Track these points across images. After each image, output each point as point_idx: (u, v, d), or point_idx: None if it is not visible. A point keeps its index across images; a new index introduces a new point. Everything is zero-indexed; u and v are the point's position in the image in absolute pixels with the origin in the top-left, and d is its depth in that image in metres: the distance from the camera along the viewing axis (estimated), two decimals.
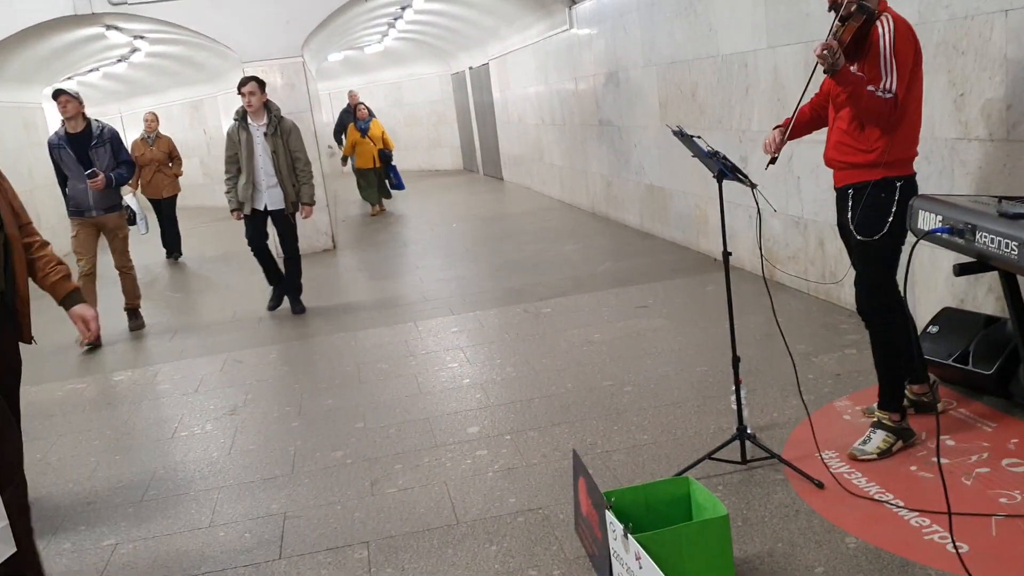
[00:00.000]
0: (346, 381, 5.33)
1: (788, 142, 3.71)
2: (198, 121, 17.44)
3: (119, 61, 15.30)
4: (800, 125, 3.67)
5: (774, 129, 3.70)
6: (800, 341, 4.96)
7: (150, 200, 10.92)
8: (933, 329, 4.18)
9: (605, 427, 4.14)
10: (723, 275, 3.62)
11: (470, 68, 18.10)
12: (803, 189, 5.84)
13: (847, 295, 5.53)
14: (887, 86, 3.25)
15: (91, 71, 16.00)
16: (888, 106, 3.24)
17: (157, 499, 3.94)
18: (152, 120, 11.12)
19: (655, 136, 8.47)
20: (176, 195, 11.28)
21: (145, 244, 11.02)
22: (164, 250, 11.34)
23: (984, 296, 4.29)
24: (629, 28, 8.71)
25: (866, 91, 3.24)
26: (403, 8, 14.03)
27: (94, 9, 9.53)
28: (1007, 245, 1.96)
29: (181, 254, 11.35)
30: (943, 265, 4.51)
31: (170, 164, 11.10)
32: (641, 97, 8.70)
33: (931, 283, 4.66)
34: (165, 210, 11.22)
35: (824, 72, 3.26)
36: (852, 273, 3.67)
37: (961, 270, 2.20)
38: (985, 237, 2.04)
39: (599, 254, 8.43)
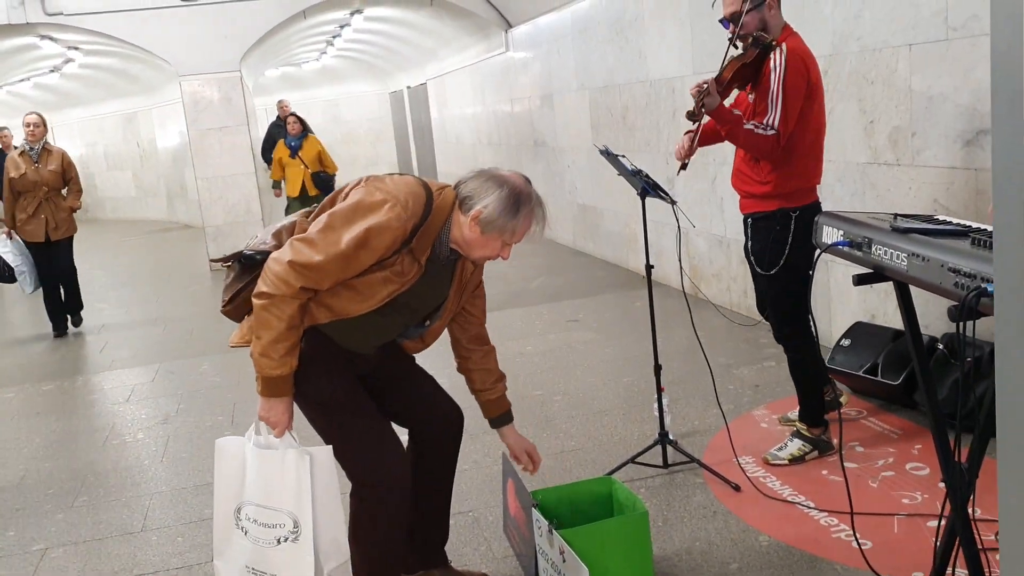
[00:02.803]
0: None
1: (712, 147, 3.76)
2: (131, 134, 17.21)
3: (51, 71, 15.04)
4: (708, 132, 3.61)
5: (684, 135, 3.63)
6: (722, 354, 5.17)
7: (30, 245, 7.17)
8: (845, 342, 4.41)
9: (535, 434, 4.26)
10: (653, 292, 3.77)
11: (408, 87, 18.21)
12: (726, 210, 6.08)
13: None
14: (770, 121, 3.30)
15: (22, 80, 15.70)
16: (769, 142, 3.30)
17: (88, 505, 3.94)
18: (36, 125, 7.22)
19: (587, 157, 8.69)
20: (72, 237, 7.45)
21: (26, 307, 8.61)
22: (50, 321, 7.47)
23: (894, 312, 4.55)
24: (563, 52, 8.93)
25: (743, 129, 3.32)
26: (342, 27, 14.10)
27: (28, 19, 9.42)
28: (898, 256, 2.14)
29: (81, 320, 7.73)
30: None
31: (64, 191, 7.36)
32: (574, 119, 8.92)
33: (845, 298, 4.91)
34: (58, 259, 7.34)
35: (686, 114, 3.36)
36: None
37: (859, 280, 2.38)
38: (880, 249, 2.22)
39: (533, 270, 8.59)
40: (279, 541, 2.47)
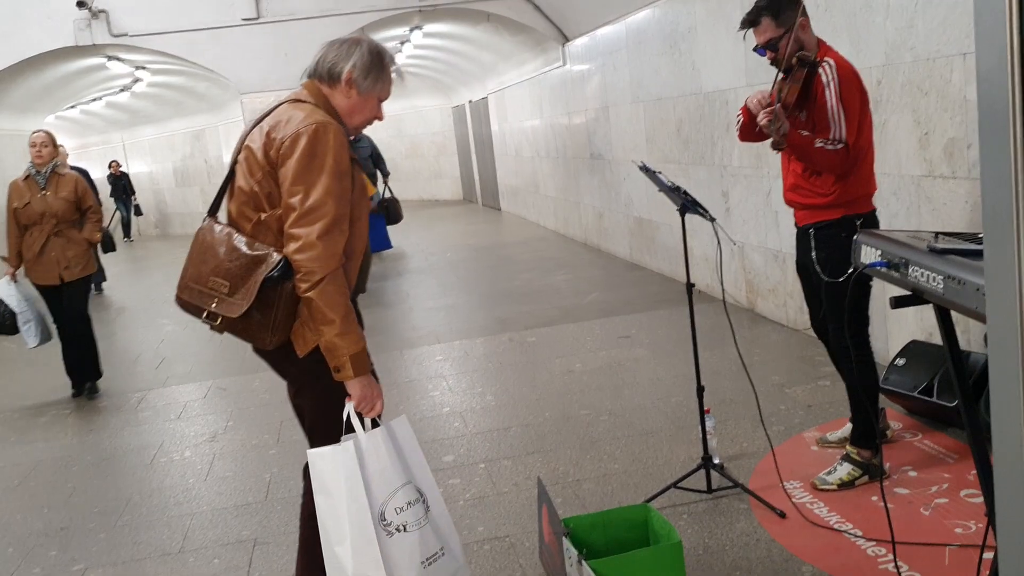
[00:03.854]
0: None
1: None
2: (199, 150, 17.67)
3: (122, 91, 15.54)
4: (748, 128, 3.57)
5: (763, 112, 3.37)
6: (775, 372, 5.04)
7: (41, 288, 6.05)
8: (900, 361, 4.26)
9: (578, 456, 4.21)
10: (707, 307, 3.71)
11: (470, 102, 18.34)
12: (781, 223, 5.94)
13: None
14: (837, 136, 3.29)
15: (94, 100, 16.24)
16: (840, 156, 3.30)
17: (130, 524, 4.01)
18: (44, 145, 5.98)
19: None
20: (89, 278, 6.13)
21: (38, 363, 6.99)
22: (68, 378, 6.25)
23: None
24: (618, 65, 8.87)
25: (815, 149, 3.28)
26: (402, 43, 14.26)
27: (95, 40, 9.74)
28: (934, 279, 2.04)
29: (97, 390, 6.27)
30: None
31: (78, 222, 6.02)
32: (629, 132, 8.84)
33: (901, 317, 4.74)
34: (70, 305, 6.02)
35: (772, 146, 3.31)
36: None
37: (897, 303, 2.28)
38: (916, 271, 2.13)
39: (588, 284, 8.53)
40: (427, 511, 2.42)
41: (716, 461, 3.69)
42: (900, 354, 4.31)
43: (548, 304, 7.75)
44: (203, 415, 5.57)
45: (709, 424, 3.68)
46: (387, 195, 10.90)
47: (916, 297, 2.29)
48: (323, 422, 2.47)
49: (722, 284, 3.98)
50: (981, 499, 3.30)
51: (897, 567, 2.62)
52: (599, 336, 6.45)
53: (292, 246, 2.29)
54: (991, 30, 0.86)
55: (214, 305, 2.35)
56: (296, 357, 2.41)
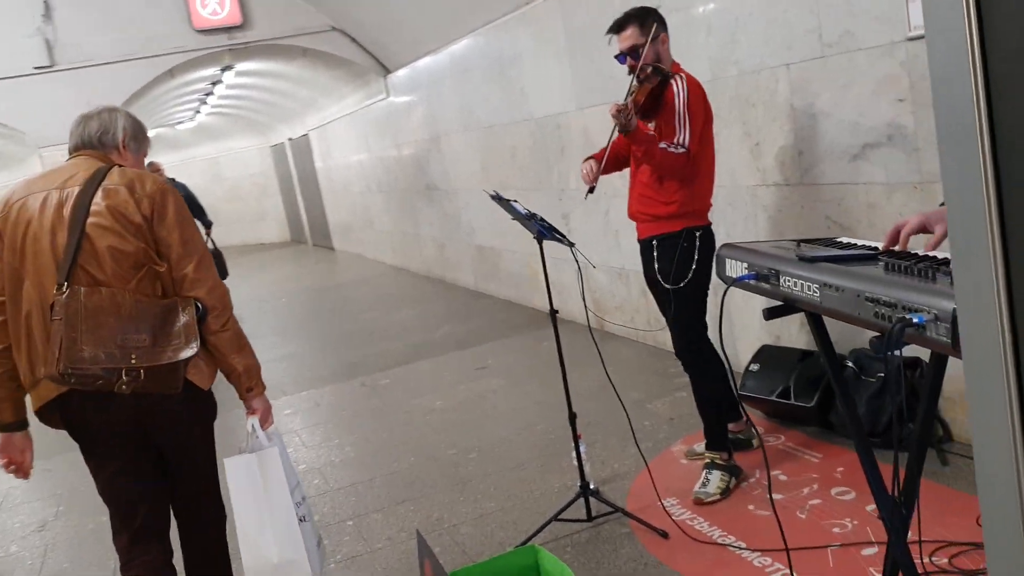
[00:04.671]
0: None
1: (602, 179, 3.79)
2: None
3: None
4: (610, 161, 3.74)
5: (588, 160, 3.75)
6: (633, 389, 5.06)
7: None
8: (754, 367, 4.35)
9: (451, 499, 4.04)
10: (558, 329, 3.65)
11: (289, 139, 17.87)
12: (622, 242, 6.02)
13: None
14: (681, 140, 3.43)
15: None
16: (681, 159, 3.43)
17: None
18: None
19: (480, 198, 8.55)
20: None
21: None
22: None
23: (798, 332, 4.52)
24: (445, 94, 8.82)
25: (659, 148, 3.40)
26: (214, 84, 13.73)
27: None
28: (809, 288, 2.03)
29: None
30: (756, 305, 4.73)
31: None
32: (464, 160, 8.80)
33: (747, 323, 4.87)
34: None
35: (620, 131, 3.39)
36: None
37: (770, 314, 2.28)
38: (788, 281, 2.12)
39: (436, 318, 8.39)
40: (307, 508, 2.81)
41: (592, 487, 3.63)
42: (753, 360, 4.40)
43: (398, 342, 7.54)
44: (28, 502, 5.01)
45: (582, 449, 3.61)
46: (211, 247, 10.32)
47: (788, 307, 2.30)
48: (210, 452, 2.72)
49: (586, 307, 3.95)
50: (852, 496, 3.39)
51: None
52: (455, 370, 6.31)
53: (201, 289, 2.51)
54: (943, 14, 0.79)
55: (134, 360, 2.39)
56: (193, 396, 2.56)
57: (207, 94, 14.93)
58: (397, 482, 4.36)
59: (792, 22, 4.06)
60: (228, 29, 9.79)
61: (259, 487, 2.62)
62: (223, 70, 12.33)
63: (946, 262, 1.97)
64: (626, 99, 3.45)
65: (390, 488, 4.31)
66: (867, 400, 3.77)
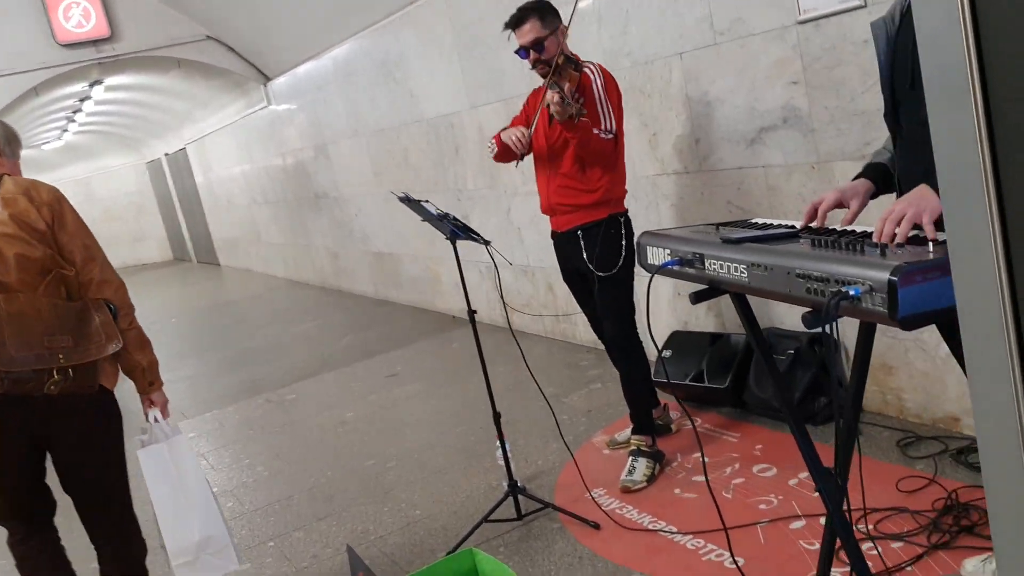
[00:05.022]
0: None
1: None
2: None
3: None
4: (502, 152, 3.65)
5: (507, 129, 3.64)
6: (548, 384, 5.04)
7: None
8: (667, 353, 4.42)
9: (375, 510, 3.95)
10: (465, 331, 3.63)
11: (166, 155, 17.24)
12: (525, 239, 6.03)
13: (582, 333, 5.75)
14: (607, 126, 3.46)
15: None
16: (611, 145, 3.48)
17: None
18: None
19: (375, 204, 8.44)
20: None
21: None
22: None
23: (705, 316, 4.61)
24: (330, 100, 8.65)
25: (593, 135, 3.41)
26: (82, 100, 13.11)
27: None
28: (736, 269, 2.05)
29: None
30: (664, 293, 4.81)
31: None
32: (354, 166, 8.65)
33: (655, 311, 4.94)
34: None
35: (566, 119, 3.29)
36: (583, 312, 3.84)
37: (696, 298, 2.29)
38: (714, 264, 2.13)
39: (337, 329, 8.22)
40: None
41: (519, 484, 3.60)
42: (665, 346, 4.47)
43: (300, 356, 7.35)
44: None
45: (507, 448, 3.58)
46: None
47: (714, 289, 2.32)
48: (121, 450, 2.80)
49: (504, 305, 3.91)
50: (773, 472, 3.47)
51: (734, 558, 2.64)
52: (364, 379, 6.18)
53: (109, 289, 2.64)
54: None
55: (62, 359, 2.50)
56: (103, 396, 2.70)
57: (75, 111, 14.25)
58: (316, 498, 4.23)
59: (683, 11, 4.12)
60: (95, 42, 9.33)
61: (173, 473, 2.81)
62: (92, 85, 11.78)
63: (868, 235, 2.02)
64: (553, 93, 3.38)
65: (310, 504, 4.18)
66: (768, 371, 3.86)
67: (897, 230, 1.85)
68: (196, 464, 2.90)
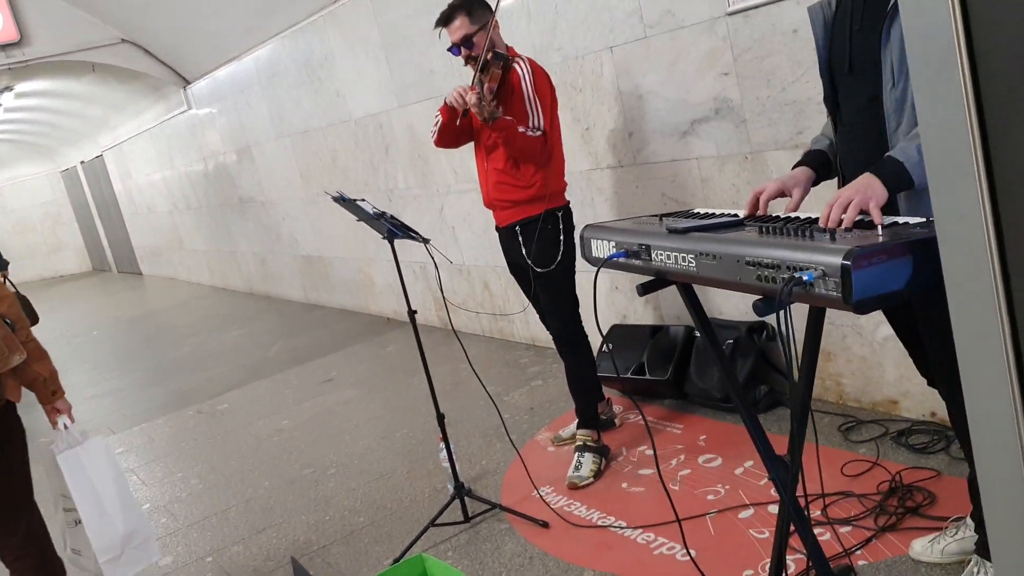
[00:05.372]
0: None
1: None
2: None
3: None
4: (456, 131, 3.59)
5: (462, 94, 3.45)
6: (489, 383, 4.97)
7: None
8: (607, 347, 4.40)
9: (316, 520, 3.84)
10: (400, 333, 3.57)
11: (82, 162, 16.69)
12: (459, 237, 5.97)
13: (520, 330, 5.71)
14: (535, 124, 3.42)
15: None
16: (539, 142, 3.43)
17: None
18: None
19: (303, 206, 8.27)
20: None
21: None
22: None
23: (643, 309, 4.61)
24: (253, 102, 8.45)
25: (518, 133, 3.37)
26: None
27: None
28: (684, 259, 2.03)
29: None
30: (601, 287, 4.79)
31: None
32: (279, 169, 8.47)
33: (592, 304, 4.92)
34: None
35: (484, 121, 3.33)
36: (528, 309, 3.78)
37: (644, 290, 2.27)
38: (661, 255, 2.11)
39: (268, 335, 8.03)
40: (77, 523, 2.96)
41: (465, 487, 3.54)
42: (605, 340, 4.45)
43: (230, 365, 7.16)
44: None
45: (452, 449, 3.52)
46: (11, 291, 9.19)
47: (661, 280, 2.30)
48: (26, 463, 2.81)
49: (446, 303, 3.84)
50: (719, 462, 3.49)
51: (688, 550, 2.63)
52: (298, 386, 6.04)
53: (3, 305, 2.68)
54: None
55: None
56: (5, 410, 2.72)
57: None
58: (254, 509, 4.11)
59: (612, 5, 4.11)
60: (4, 47, 8.94)
61: (91, 474, 2.91)
62: (1, 92, 11.31)
63: (815, 221, 2.02)
64: (474, 88, 3.36)
65: (248, 517, 4.05)
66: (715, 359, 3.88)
67: (844, 216, 1.86)
68: (113, 461, 3.01)
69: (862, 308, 1.66)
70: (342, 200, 3.38)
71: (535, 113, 3.42)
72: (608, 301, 4.83)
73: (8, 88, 11.12)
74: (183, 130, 10.81)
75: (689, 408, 4.07)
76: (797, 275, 1.69)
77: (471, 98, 3.25)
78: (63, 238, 19.37)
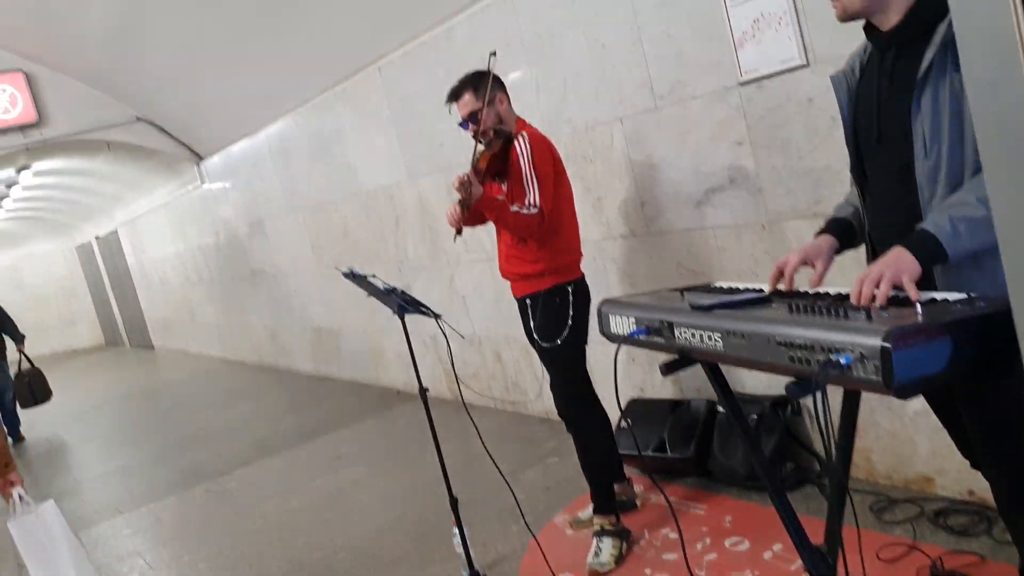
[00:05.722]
0: None
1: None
2: None
3: None
4: (475, 213, 3.51)
5: (455, 205, 3.47)
6: (502, 460, 4.81)
7: None
8: (625, 423, 4.27)
9: None
10: (411, 407, 3.46)
11: (97, 238, 16.81)
12: (470, 308, 5.88)
13: (534, 404, 5.59)
14: (531, 200, 3.36)
15: None
16: (535, 220, 3.35)
17: None
18: None
19: (313, 278, 8.24)
20: None
21: None
22: None
23: (661, 382, 4.49)
24: (266, 176, 8.49)
25: (510, 212, 3.34)
26: (9, 186, 12.74)
27: None
28: (710, 338, 1.93)
29: None
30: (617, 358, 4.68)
31: None
32: (292, 241, 8.46)
33: (609, 376, 4.80)
34: None
35: (462, 205, 3.30)
36: (546, 380, 3.68)
37: (668, 369, 2.16)
38: (685, 332, 2.01)
39: (278, 410, 7.91)
40: None
41: (481, 573, 3.39)
42: (623, 415, 4.33)
43: (239, 441, 7.03)
44: None
45: (467, 534, 3.38)
46: (26, 366, 8.87)
47: (686, 359, 2.20)
48: None
49: (458, 381, 3.74)
50: (746, 546, 3.32)
51: None
52: (308, 464, 5.90)
53: None
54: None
55: None
56: None
57: (2, 198, 13.85)
58: None
59: (621, 77, 4.09)
60: (22, 128, 9.04)
61: (46, 540, 2.92)
62: (19, 171, 11.43)
63: (845, 297, 1.92)
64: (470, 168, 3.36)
65: None
66: (741, 439, 3.74)
67: (876, 292, 1.76)
68: (66, 528, 3.01)
69: (904, 392, 1.55)
70: (353, 276, 3.32)
71: (531, 190, 3.36)
72: (625, 373, 4.71)
73: (26, 167, 11.25)
74: (196, 204, 10.86)
75: (713, 487, 3.92)
76: (833, 358, 1.59)
77: (454, 184, 3.23)
78: (77, 312, 19.43)
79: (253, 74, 7.28)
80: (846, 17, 1.95)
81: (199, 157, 10.03)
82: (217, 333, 12.03)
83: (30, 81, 8.87)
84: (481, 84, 3.47)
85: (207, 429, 7.81)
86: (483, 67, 3.47)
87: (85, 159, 11.38)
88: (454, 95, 3.55)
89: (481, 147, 3.42)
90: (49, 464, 8.06)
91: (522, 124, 3.56)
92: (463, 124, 3.54)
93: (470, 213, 3.38)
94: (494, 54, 3.36)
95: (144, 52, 7.87)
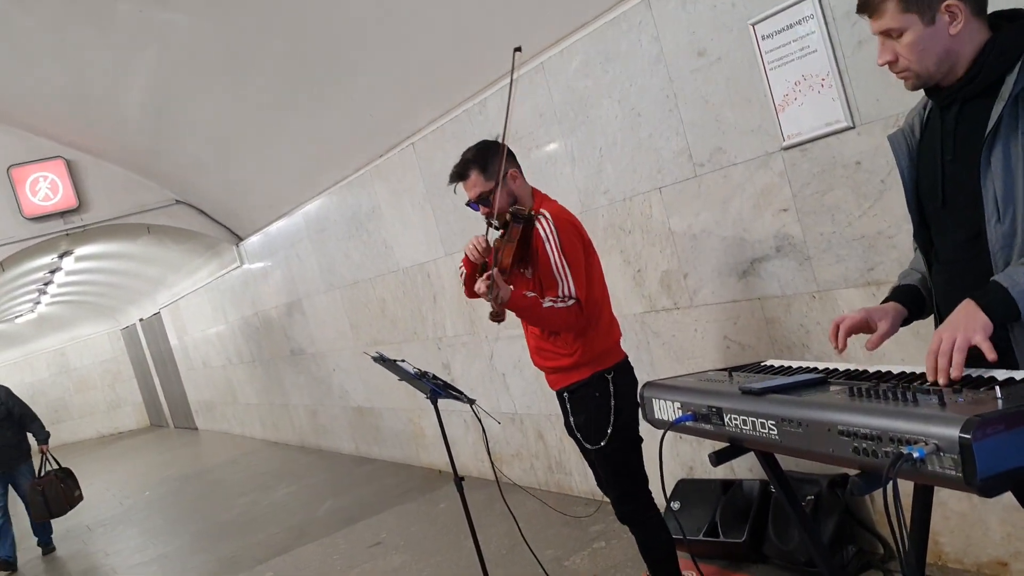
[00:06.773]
0: None
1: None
2: None
3: None
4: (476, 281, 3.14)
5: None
6: (547, 545, 4.66)
7: None
8: (675, 505, 4.07)
9: None
10: (452, 489, 3.29)
11: (140, 320, 17.00)
12: (511, 385, 5.73)
13: (579, 483, 5.38)
14: (566, 291, 3.02)
15: None
16: (573, 312, 3.01)
17: None
18: None
19: (352, 357, 8.16)
20: None
21: None
22: None
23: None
24: (304, 256, 8.50)
25: (544, 309, 3.00)
26: (53, 272, 12.95)
27: None
28: (763, 426, 1.77)
29: None
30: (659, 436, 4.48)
31: None
32: (330, 320, 8.41)
33: (654, 454, 4.60)
34: None
35: (493, 314, 2.99)
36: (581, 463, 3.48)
37: (718, 459, 2.00)
38: (735, 420, 1.86)
39: (317, 493, 7.76)
40: None
41: None
42: (672, 497, 4.12)
43: (278, 527, 6.88)
44: None
45: None
46: (53, 466, 7.79)
47: (737, 447, 2.04)
48: None
49: (493, 466, 3.59)
50: None
51: None
52: (346, 551, 5.72)
53: None
54: None
55: None
56: None
57: (46, 283, 14.09)
58: None
59: (659, 146, 3.99)
60: (63, 213, 9.19)
61: None
62: (61, 256, 11.62)
63: (911, 377, 1.76)
64: (490, 249, 3.05)
65: None
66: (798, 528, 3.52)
67: (952, 361, 1.59)
68: None
69: (989, 490, 1.37)
70: (383, 360, 3.20)
71: (564, 280, 3.01)
72: (672, 452, 4.51)
73: (68, 252, 11.42)
74: (236, 285, 10.92)
75: (770, 574, 3.68)
76: (905, 451, 1.42)
77: (480, 288, 2.91)
78: (122, 395, 19.57)
79: (288, 154, 7.34)
80: (920, 86, 1.79)
81: (238, 238, 10.11)
82: (258, 414, 11.98)
83: (70, 167, 9.04)
84: (491, 162, 3.12)
85: (247, 514, 7.67)
86: (491, 137, 3.17)
87: (126, 242, 11.53)
88: (459, 175, 3.18)
89: (496, 233, 3.09)
90: (88, 552, 7.95)
91: (540, 198, 3.26)
92: (472, 205, 3.21)
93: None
94: (518, 49, 2.95)
95: (181, 135, 7.99)
